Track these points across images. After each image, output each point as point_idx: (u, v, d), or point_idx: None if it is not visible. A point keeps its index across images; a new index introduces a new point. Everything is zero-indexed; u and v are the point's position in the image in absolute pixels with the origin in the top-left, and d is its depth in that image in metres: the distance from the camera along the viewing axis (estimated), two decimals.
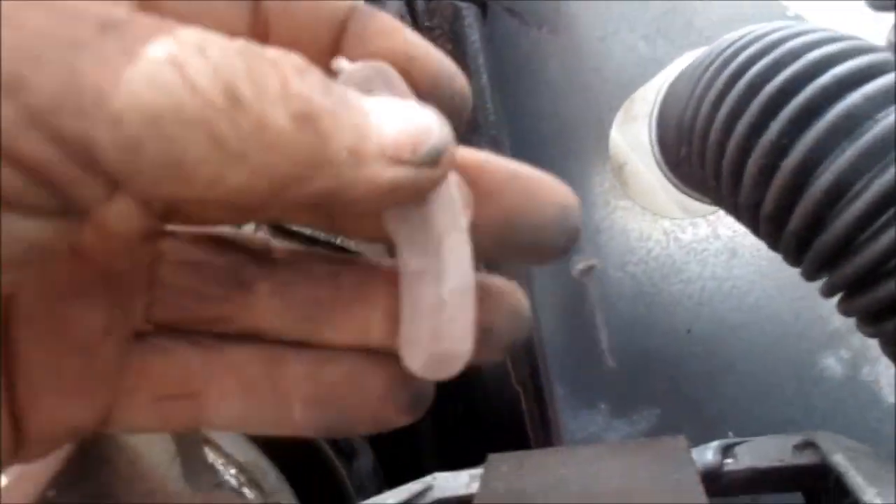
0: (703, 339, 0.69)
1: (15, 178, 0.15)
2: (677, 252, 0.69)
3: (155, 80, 0.15)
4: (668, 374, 0.70)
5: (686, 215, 0.66)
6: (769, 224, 0.37)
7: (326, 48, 0.24)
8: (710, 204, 0.62)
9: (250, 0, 0.23)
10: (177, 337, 0.25)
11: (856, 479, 0.34)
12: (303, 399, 0.25)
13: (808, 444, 0.41)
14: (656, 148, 0.59)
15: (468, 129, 0.62)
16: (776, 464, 0.42)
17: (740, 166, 0.38)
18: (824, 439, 0.40)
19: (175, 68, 0.15)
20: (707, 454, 0.43)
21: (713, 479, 0.41)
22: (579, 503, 0.35)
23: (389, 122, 0.20)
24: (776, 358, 0.66)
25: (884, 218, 0.33)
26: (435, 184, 0.22)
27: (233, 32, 0.19)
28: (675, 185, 0.62)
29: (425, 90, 0.24)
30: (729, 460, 0.43)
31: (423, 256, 0.23)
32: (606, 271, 0.72)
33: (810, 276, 0.37)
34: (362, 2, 0.25)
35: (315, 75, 0.19)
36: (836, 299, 0.64)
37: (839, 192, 0.34)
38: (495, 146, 0.60)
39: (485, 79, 0.62)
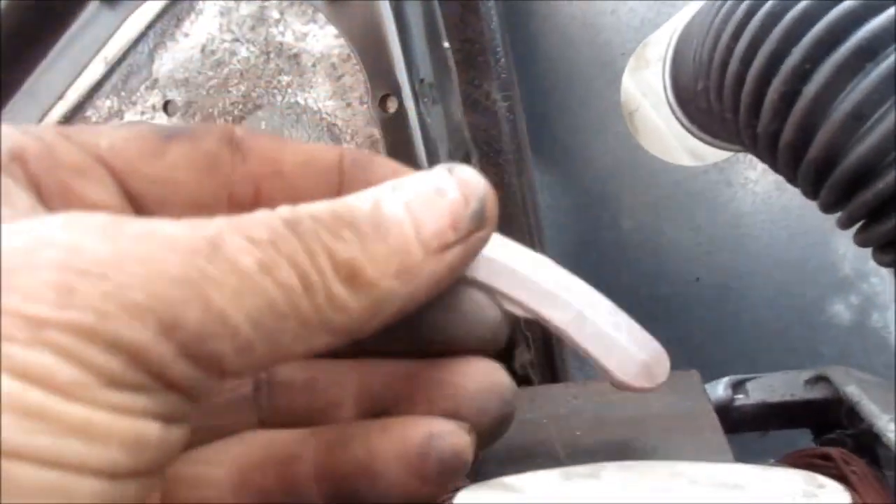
0: (712, 288, 0.69)
1: (154, 392, 0.18)
2: (687, 200, 0.68)
3: (255, 286, 0.19)
4: (676, 323, 0.70)
5: (697, 162, 0.65)
6: (788, 153, 0.36)
7: (328, 196, 0.25)
8: (721, 148, 0.62)
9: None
10: None
11: (870, 406, 0.35)
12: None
13: (820, 379, 0.41)
14: (670, 89, 0.58)
15: (479, 73, 0.61)
16: (787, 398, 0.42)
17: (760, 95, 0.37)
18: (836, 373, 0.40)
19: (264, 272, 0.19)
20: (718, 389, 0.43)
21: (723, 415, 0.41)
22: (593, 429, 0.35)
23: (420, 211, 0.23)
24: (784, 305, 0.66)
25: None
26: (489, 235, 0.24)
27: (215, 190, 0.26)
28: (687, 130, 0.61)
29: None
30: (739, 396, 0.43)
31: (544, 300, 0.28)
32: (617, 220, 0.72)
33: (829, 206, 0.37)
34: (350, 149, 0.28)
35: (349, 233, 0.21)
36: (846, 246, 0.63)
37: (861, 117, 0.33)
38: (504, 89, 0.60)
39: (495, 21, 0.61)
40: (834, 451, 0.36)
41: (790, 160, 0.37)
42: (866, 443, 0.36)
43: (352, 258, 0.21)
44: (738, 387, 0.43)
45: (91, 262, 0.17)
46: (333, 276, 0.20)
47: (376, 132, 0.62)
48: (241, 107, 0.64)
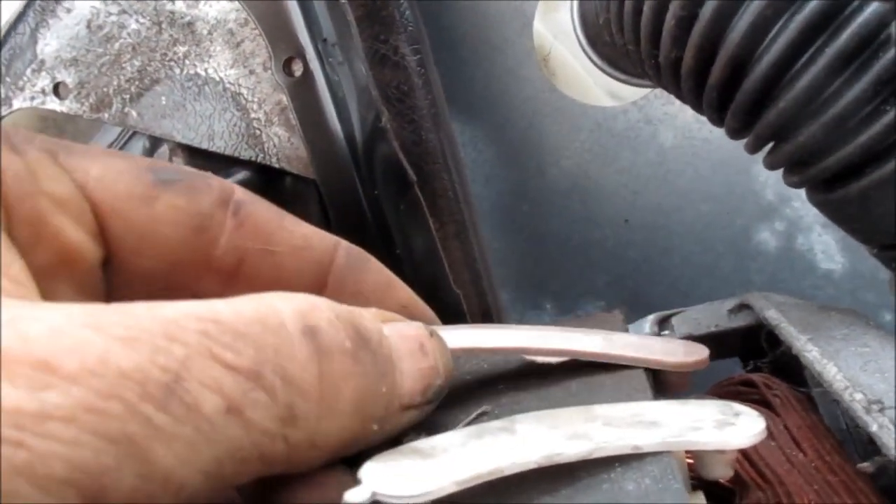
0: (641, 228, 0.68)
1: None
2: (610, 142, 0.68)
3: (216, 434, 0.17)
4: (609, 266, 0.70)
5: (615, 102, 0.64)
6: (691, 80, 0.35)
7: (313, 287, 0.25)
8: (637, 86, 0.61)
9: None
10: None
11: (788, 329, 0.34)
12: None
13: (743, 307, 0.41)
14: (580, 28, 0.57)
15: (384, 28, 0.59)
16: (712, 329, 0.41)
17: (658, 23, 0.36)
18: (756, 299, 0.40)
19: (233, 414, 0.17)
20: (644, 327, 0.42)
21: None
22: (515, 382, 0.34)
23: (408, 368, 0.23)
24: (713, 237, 0.66)
25: (803, 59, 0.32)
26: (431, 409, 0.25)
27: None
28: (600, 69, 0.60)
29: None
30: (665, 332, 0.43)
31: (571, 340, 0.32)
32: (543, 169, 0.71)
33: (736, 132, 0.36)
34: (346, 245, 0.28)
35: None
36: (767, 173, 0.63)
37: (758, 36, 0.32)
38: (413, 42, 0.57)
39: None
40: (756, 377, 0.36)
41: (694, 87, 0.36)
42: (788, 365, 0.36)
43: (364, 399, 0.21)
44: (663, 323, 0.42)
45: (12, 425, 0.14)
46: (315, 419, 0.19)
47: (284, 98, 0.59)
48: (137, 83, 0.60)
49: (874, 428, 0.25)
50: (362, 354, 0.20)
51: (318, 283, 0.26)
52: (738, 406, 0.26)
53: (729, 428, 0.24)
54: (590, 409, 0.26)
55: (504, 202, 0.72)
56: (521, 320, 0.74)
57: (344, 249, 0.27)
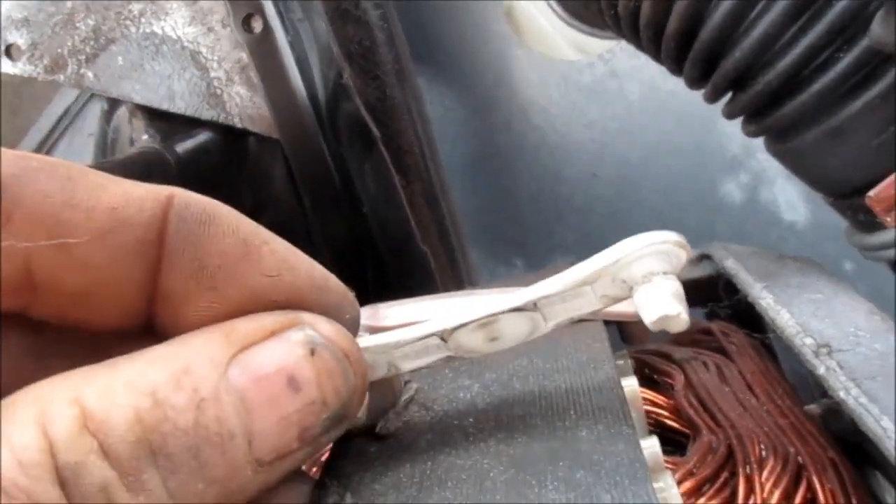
0: (609, 182, 0.69)
1: None
2: (577, 96, 0.67)
3: None
4: (578, 221, 0.70)
5: (581, 55, 0.64)
6: (649, 29, 0.35)
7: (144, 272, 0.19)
8: (602, 38, 0.60)
9: None
10: None
11: (745, 277, 0.35)
12: None
13: (704, 257, 0.42)
14: None
15: None
16: None
17: None
18: (716, 249, 0.40)
19: None
20: None
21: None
22: None
23: (261, 417, 0.18)
24: (679, 191, 0.66)
25: (758, 8, 0.32)
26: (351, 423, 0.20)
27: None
28: (565, 22, 0.59)
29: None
30: None
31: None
32: (510, 124, 0.70)
33: (695, 81, 0.36)
34: (183, 193, 0.19)
35: (150, 472, 0.16)
36: (732, 125, 0.64)
37: None
38: (378, 6, 0.56)
39: None
40: (714, 326, 0.36)
41: (652, 37, 0.36)
42: (746, 313, 0.36)
43: None
44: None
45: None
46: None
47: (244, 56, 0.58)
48: (92, 43, 0.59)
49: (822, 371, 0.26)
50: (156, 462, 0.16)
51: (149, 265, 0.18)
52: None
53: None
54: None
55: (472, 159, 0.72)
56: (492, 277, 0.74)
57: (178, 210, 0.18)
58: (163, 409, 0.16)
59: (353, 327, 0.22)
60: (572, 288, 0.23)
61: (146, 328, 0.20)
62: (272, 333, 0.19)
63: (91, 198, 0.18)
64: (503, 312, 0.23)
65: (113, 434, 0.16)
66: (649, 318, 0.21)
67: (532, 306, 0.23)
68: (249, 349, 0.18)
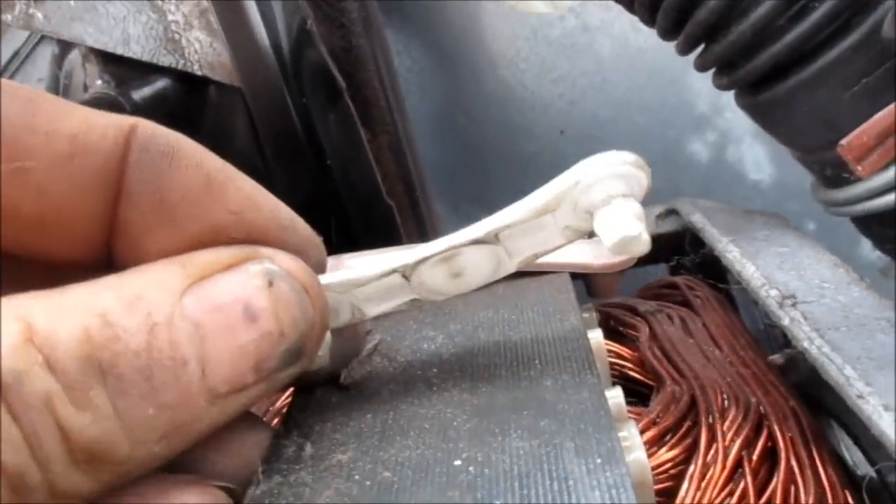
0: (577, 139, 0.68)
1: None
2: (546, 50, 0.66)
3: None
4: (545, 178, 0.70)
5: (552, 8, 0.63)
6: None
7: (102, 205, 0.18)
8: None
9: None
10: None
11: (711, 231, 0.35)
12: None
13: (671, 212, 0.42)
14: None
15: None
16: None
17: None
18: (684, 204, 0.40)
19: None
20: None
21: None
22: None
23: (215, 346, 0.17)
24: (647, 149, 0.66)
25: None
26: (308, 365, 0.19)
27: None
28: None
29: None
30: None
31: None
32: (477, 78, 0.69)
33: (667, 32, 0.35)
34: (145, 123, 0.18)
35: (101, 395, 0.16)
36: (701, 83, 0.63)
37: None
38: None
39: None
40: (679, 280, 0.36)
41: None
42: (711, 266, 0.36)
43: (94, 440, 0.16)
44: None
45: None
46: (66, 463, 0.15)
47: None
48: None
49: (786, 321, 0.26)
50: (104, 381, 0.16)
51: (109, 195, 0.18)
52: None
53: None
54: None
55: (440, 113, 0.71)
56: None
57: (141, 140, 0.18)
58: (113, 329, 0.16)
59: (319, 269, 0.21)
60: (533, 216, 0.23)
61: (106, 261, 0.19)
62: (230, 266, 0.18)
63: (52, 122, 0.17)
64: (464, 245, 0.23)
65: (59, 349, 0.15)
66: (609, 239, 0.21)
67: (493, 238, 0.23)
68: (206, 280, 0.18)
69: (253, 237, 0.19)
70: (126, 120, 0.18)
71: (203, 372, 0.17)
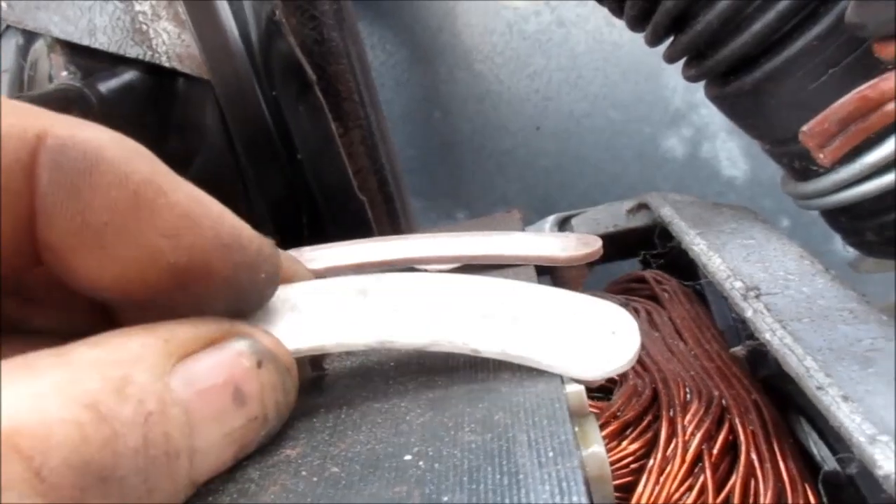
0: (553, 135, 0.68)
1: None
2: (522, 45, 0.66)
3: None
4: (521, 174, 0.69)
5: (528, 1, 0.62)
6: None
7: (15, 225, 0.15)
8: None
9: None
10: None
11: (679, 224, 0.34)
12: None
13: (641, 207, 0.41)
14: None
15: None
16: (611, 229, 0.41)
17: None
18: (654, 198, 0.40)
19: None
20: (543, 228, 0.42)
21: None
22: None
23: (211, 439, 0.16)
24: (621, 145, 0.66)
25: None
26: None
27: None
28: None
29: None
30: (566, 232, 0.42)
31: None
32: (452, 73, 0.68)
33: (634, 21, 0.35)
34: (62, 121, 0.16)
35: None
36: (676, 79, 0.63)
37: None
38: None
39: None
40: (647, 274, 0.36)
41: None
42: (680, 260, 0.36)
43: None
44: (563, 224, 0.42)
45: None
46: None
47: None
48: None
49: (749, 313, 0.25)
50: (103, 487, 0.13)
51: (20, 218, 0.16)
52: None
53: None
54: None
55: (415, 108, 0.70)
56: (434, 229, 0.73)
57: (52, 154, 0.15)
58: (110, 424, 0.13)
59: (271, 285, 0.19)
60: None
61: (43, 281, 0.17)
62: (212, 342, 0.16)
63: None
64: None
65: (54, 456, 0.12)
66: None
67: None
68: (190, 358, 0.16)
69: (194, 261, 0.17)
70: (30, 128, 0.15)
71: (191, 463, 0.15)
